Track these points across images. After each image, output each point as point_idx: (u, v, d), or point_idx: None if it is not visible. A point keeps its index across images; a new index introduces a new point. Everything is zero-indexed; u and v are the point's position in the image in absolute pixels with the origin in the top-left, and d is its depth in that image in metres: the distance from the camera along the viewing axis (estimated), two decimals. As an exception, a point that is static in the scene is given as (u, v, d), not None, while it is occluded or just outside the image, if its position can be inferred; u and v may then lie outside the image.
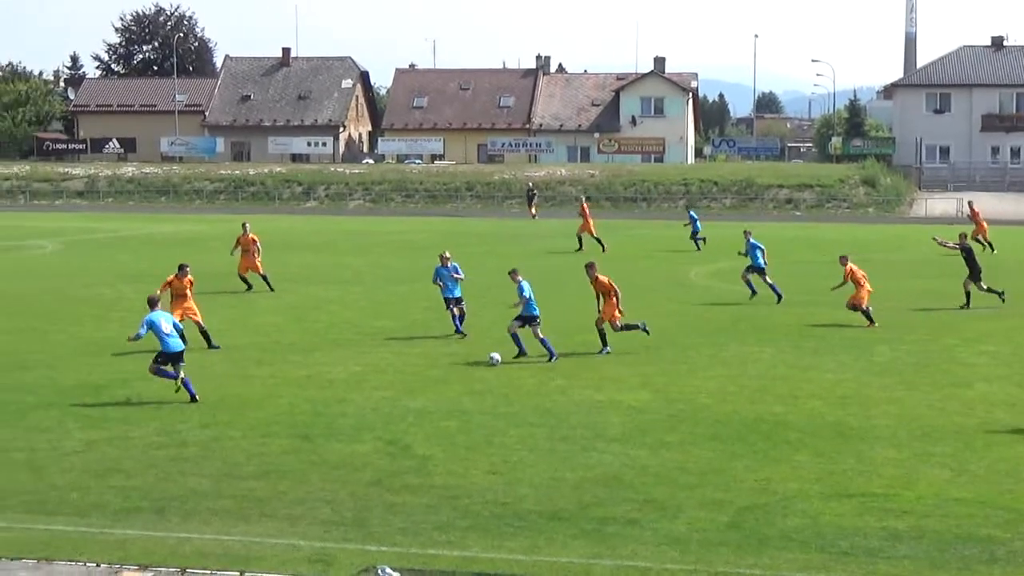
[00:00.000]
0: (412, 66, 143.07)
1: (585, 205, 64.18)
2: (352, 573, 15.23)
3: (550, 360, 29.29)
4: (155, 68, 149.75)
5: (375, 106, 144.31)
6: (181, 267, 31.98)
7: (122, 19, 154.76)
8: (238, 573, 15.36)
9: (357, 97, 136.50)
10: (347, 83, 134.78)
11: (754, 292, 40.43)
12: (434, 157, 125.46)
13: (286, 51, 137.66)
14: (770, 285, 40.13)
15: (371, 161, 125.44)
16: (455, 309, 33.56)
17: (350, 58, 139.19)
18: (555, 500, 18.19)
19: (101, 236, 69.50)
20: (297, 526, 17.10)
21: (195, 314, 31.65)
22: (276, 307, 38.95)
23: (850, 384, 26.75)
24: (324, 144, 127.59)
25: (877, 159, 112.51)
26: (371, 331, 33.93)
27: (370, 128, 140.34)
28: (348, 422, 23.17)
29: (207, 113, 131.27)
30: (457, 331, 33.23)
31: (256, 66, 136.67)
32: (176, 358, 25.08)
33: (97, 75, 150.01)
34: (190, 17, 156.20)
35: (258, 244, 43.35)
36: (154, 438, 21.95)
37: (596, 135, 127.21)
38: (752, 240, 41.16)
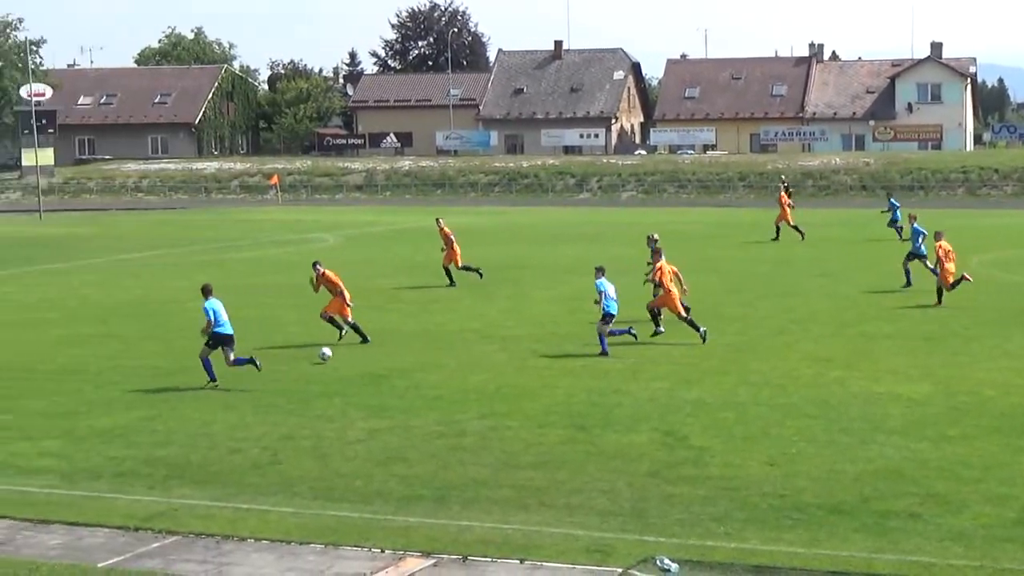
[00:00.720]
0: (683, 56, 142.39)
1: (784, 194, 63.10)
2: (630, 563, 15.27)
3: (600, 354, 28.96)
4: (430, 63, 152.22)
5: (647, 97, 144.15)
6: (313, 264, 32.41)
7: (398, 16, 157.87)
8: (518, 561, 15.55)
9: (629, 88, 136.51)
10: (619, 74, 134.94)
11: (908, 283, 39.24)
12: (706, 147, 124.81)
13: (558, 44, 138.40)
14: (928, 270, 39.11)
15: (643, 152, 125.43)
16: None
17: (621, 50, 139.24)
18: (835, 493, 17.96)
19: (379, 229, 71.03)
20: (575, 516, 17.23)
21: (339, 308, 31.57)
22: (551, 298, 39.27)
23: None
24: (596, 136, 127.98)
25: None
26: (644, 321, 33.92)
27: (642, 119, 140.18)
28: (624, 412, 23.25)
29: (481, 107, 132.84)
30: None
31: (528, 59, 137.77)
32: (227, 340, 26.38)
33: (375, 71, 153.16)
34: (464, 12, 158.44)
35: (452, 238, 43.58)
36: (434, 428, 22.37)
37: (871, 123, 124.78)
38: (916, 226, 40.31)
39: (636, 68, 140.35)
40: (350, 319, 31.68)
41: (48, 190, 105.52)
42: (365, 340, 31.32)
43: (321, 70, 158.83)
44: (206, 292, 26.78)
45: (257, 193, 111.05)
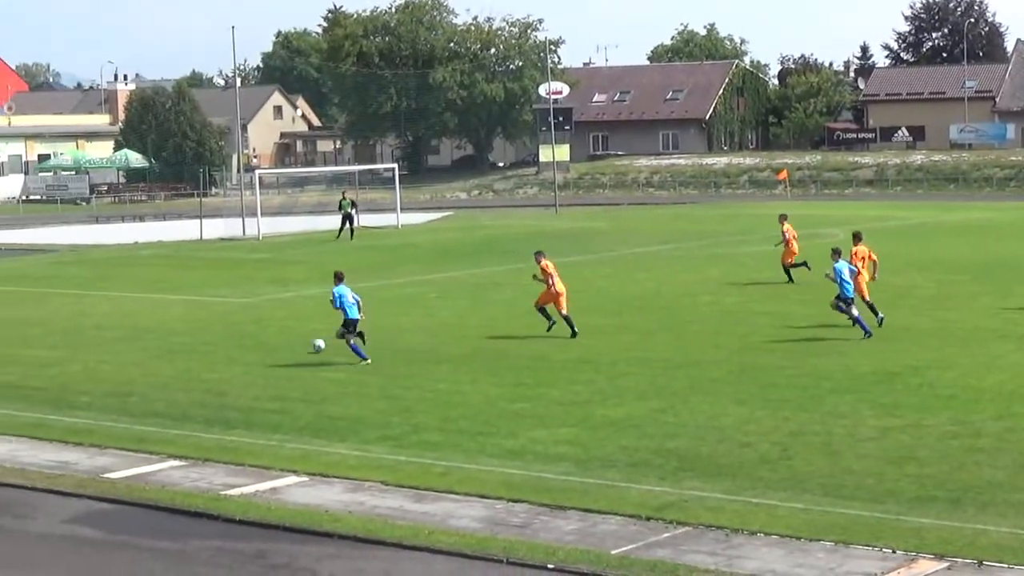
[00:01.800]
0: None
1: None
2: None
3: (864, 336, 30.52)
4: (944, 55, 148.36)
5: None
6: (535, 255, 33.14)
7: (912, 7, 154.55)
8: (1037, 569, 15.03)
9: None
10: None
11: None
12: None
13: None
14: None
15: None
16: None
17: None
18: None
19: (891, 224, 69.76)
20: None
21: (550, 300, 32.42)
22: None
23: None
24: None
25: None
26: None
27: None
28: None
29: (997, 99, 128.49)
30: None
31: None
32: (353, 324, 28.94)
33: (886, 64, 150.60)
34: (980, 2, 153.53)
35: (786, 236, 43.27)
36: (948, 427, 21.84)
37: None
38: None
39: None
40: (563, 311, 32.37)
41: (563, 185, 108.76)
42: (574, 334, 32.10)
43: (831, 64, 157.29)
44: (337, 278, 29.56)
45: (766, 188, 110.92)
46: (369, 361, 29.12)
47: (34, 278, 52.03)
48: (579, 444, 21.65)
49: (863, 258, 33.64)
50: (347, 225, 68.07)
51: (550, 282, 32.49)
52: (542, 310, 32.90)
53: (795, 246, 43.36)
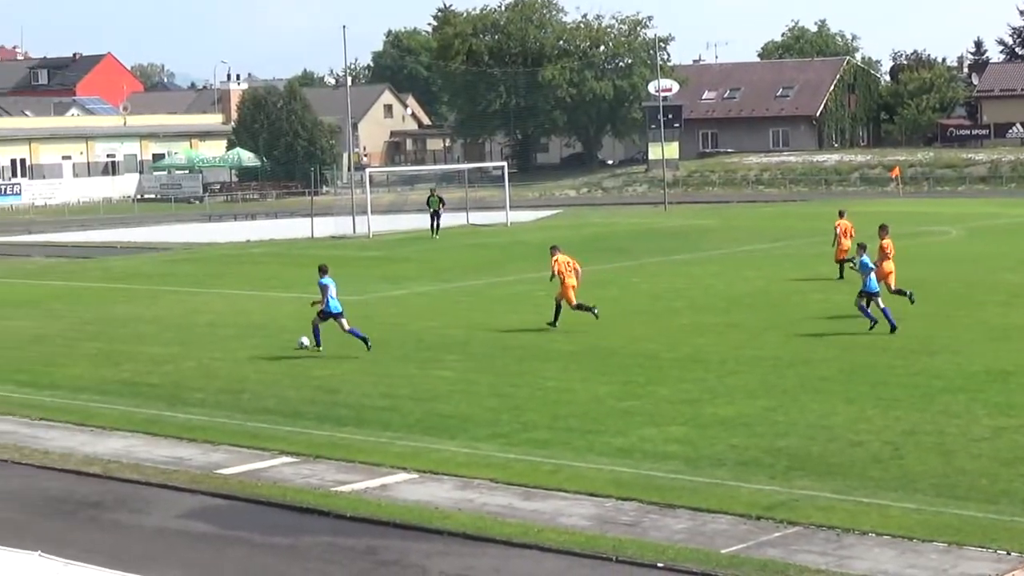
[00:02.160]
0: None
1: None
2: None
3: (892, 331, 30.76)
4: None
5: None
6: (551, 249, 34.03)
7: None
8: None
9: None
10: None
11: None
12: None
13: None
14: None
15: None
16: None
17: None
18: None
19: (1004, 222, 68.75)
20: None
21: (564, 295, 33.34)
22: None
23: None
24: None
25: None
26: None
27: None
28: None
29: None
30: None
31: None
32: (334, 315, 30.43)
33: (1001, 59, 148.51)
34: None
35: (838, 232, 43.30)
36: (1067, 428, 21.55)
37: None
38: None
39: None
40: (573, 303, 33.28)
41: (672, 183, 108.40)
42: (554, 323, 33.60)
43: (944, 59, 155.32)
44: (322, 271, 30.94)
45: (877, 185, 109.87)
46: (321, 350, 30.84)
47: (148, 276, 52.77)
48: (689, 443, 21.59)
49: (889, 251, 34.89)
50: (434, 222, 68.17)
51: (561, 277, 33.44)
52: (579, 306, 33.54)
53: (845, 243, 42.93)
